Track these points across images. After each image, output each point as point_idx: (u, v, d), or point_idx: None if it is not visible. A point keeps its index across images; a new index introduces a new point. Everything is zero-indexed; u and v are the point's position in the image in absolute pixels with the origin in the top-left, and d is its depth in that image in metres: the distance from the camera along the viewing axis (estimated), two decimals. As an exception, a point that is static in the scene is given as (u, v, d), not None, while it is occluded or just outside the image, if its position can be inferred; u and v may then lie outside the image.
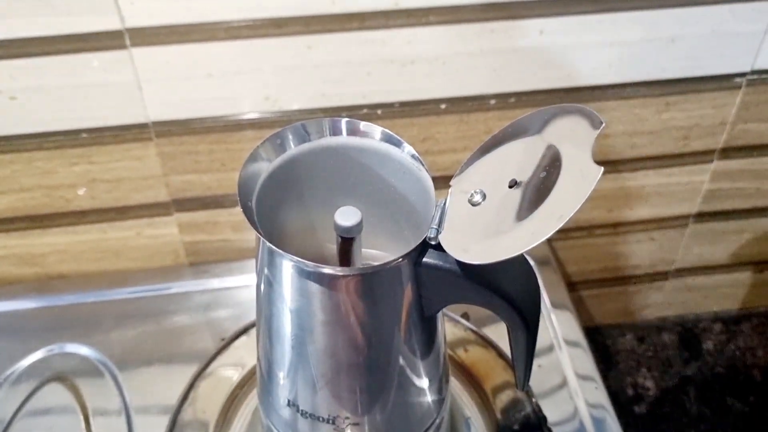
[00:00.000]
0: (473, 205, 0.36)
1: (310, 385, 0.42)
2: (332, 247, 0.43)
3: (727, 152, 0.74)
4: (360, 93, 0.64)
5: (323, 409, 0.43)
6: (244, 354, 0.63)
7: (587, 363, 0.65)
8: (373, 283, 0.37)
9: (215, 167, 0.67)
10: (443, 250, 0.37)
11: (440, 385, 0.47)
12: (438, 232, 0.37)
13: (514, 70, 0.64)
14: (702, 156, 0.74)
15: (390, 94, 0.64)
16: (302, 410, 0.43)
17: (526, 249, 0.32)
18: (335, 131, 0.42)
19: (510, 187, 0.35)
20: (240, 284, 0.72)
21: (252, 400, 0.59)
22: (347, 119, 0.42)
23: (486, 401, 0.59)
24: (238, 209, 0.70)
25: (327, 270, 0.36)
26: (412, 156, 0.41)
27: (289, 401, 0.44)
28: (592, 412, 0.61)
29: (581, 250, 0.82)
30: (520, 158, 0.36)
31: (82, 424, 0.60)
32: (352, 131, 0.42)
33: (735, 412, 0.84)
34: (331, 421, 0.43)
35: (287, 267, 0.37)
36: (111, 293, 0.70)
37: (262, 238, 0.36)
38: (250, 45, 0.59)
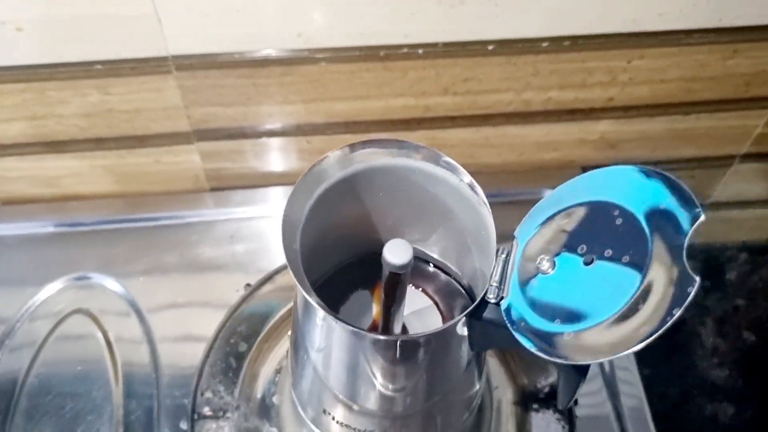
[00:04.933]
0: (541, 272, 0.33)
1: (347, 406, 0.41)
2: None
3: (789, 98, 0.69)
4: (401, 33, 0.58)
5: (362, 425, 0.42)
6: (271, 300, 0.62)
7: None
8: (427, 344, 0.35)
9: (241, 101, 0.62)
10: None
11: (475, 394, 0.46)
12: (499, 291, 0.34)
13: (572, 11, 0.58)
14: (761, 102, 0.69)
15: (434, 34, 0.59)
16: (339, 422, 0.43)
17: (602, 360, 0.29)
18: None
19: (586, 264, 0.32)
20: (263, 214, 0.69)
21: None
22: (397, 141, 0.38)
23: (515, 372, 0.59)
24: (264, 140, 0.66)
25: (381, 337, 0.34)
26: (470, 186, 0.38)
27: (324, 410, 0.43)
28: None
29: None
30: (595, 230, 0.33)
31: (107, 354, 0.60)
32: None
33: (750, 346, 0.85)
34: (366, 433, 0.43)
35: (340, 332, 0.35)
36: (131, 219, 0.68)
37: (311, 302, 0.33)
38: (284, -16, 0.53)
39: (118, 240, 0.67)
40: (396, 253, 0.36)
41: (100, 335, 0.62)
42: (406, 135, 0.67)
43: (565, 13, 0.58)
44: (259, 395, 0.56)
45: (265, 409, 0.55)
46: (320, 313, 0.34)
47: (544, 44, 0.60)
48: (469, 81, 0.63)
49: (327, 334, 0.37)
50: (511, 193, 0.71)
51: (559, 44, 0.60)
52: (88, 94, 0.60)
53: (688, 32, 0.61)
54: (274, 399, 0.56)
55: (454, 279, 0.45)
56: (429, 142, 0.68)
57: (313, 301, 0.33)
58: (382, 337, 0.34)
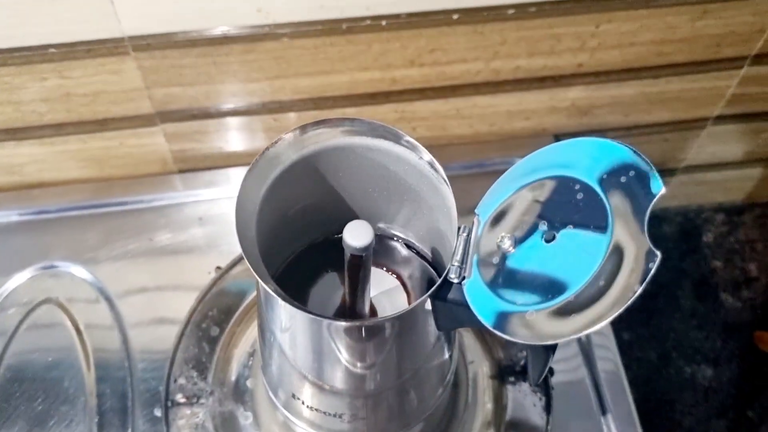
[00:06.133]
0: (502, 251, 0.33)
1: (316, 389, 0.41)
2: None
3: (761, 58, 0.68)
4: (363, 4, 0.57)
5: (331, 408, 0.42)
6: (242, 281, 0.61)
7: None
8: (391, 327, 0.35)
9: (202, 80, 0.61)
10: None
11: (448, 370, 0.46)
12: (461, 270, 0.34)
13: (539, -24, 0.57)
14: (732, 62, 0.68)
15: (397, 5, 0.57)
16: (308, 406, 0.42)
17: (567, 339, 0.29)
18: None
19: (547, 241, 0.31)
20: (232, 195, 0.67)
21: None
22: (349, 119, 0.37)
23: (491, 345, 0.58)
24: (229, 119, 0.65)
25: (339, 323, 0.33)
26: (431, 165, 0.37)
27: (293, 395, 0.43)
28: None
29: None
30: (556, 205, 0.32)
31: (77, 342, 0.59)
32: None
33: (727, 308, 0.85)
34: (338, 416, 0.43)
35: (301, 318, 0.34)
36: (97, 205, 0.67)
37: (268, 290, 0.32)
38: (238, -41, 0.51)
39: (85, 227, 0.65)
40: (356, 235, 0.35)
41: (70, 324, 0.61)
42: (374, 109, 0.66)
43: (530, -21, 0.57)
44: (233, 379, 0.56)
45: (240, 394, 0.55)
46: (280, 300, 0.33)
47: (510, 11, 0.59)
48: (436, 52, 0.61)
49: (288, 319, 0.36)
50: (485, 164, 0.70)
51: (525, 11, 0.59)
52: (44, 79, 0.58)
53: (658, -6, 0.60)
54: (248, 383, 0.55)
55: (424, 258, 0.44)
56: (398, 116, 0.67)
57: (270, 289, 0.32)
58: (340, 323, 0.33)
